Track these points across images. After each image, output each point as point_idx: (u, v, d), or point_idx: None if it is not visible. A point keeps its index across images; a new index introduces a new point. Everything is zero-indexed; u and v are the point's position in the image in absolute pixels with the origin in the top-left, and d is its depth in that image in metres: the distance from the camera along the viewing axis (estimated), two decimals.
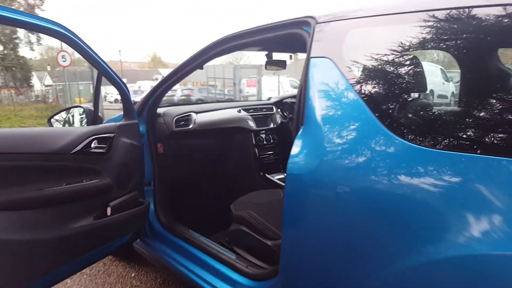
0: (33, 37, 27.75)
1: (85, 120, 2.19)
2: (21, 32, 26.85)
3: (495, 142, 0.98)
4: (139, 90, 34.27)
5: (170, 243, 2.28)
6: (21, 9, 22.68)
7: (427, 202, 0.97)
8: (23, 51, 27.00)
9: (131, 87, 37.76)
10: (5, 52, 24.34)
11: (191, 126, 2.46)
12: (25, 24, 1.62)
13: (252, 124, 2.82)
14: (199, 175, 2.79)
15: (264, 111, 2.97)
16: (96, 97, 2.17)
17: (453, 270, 0.91)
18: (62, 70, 17.95)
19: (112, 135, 2.00)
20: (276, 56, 2.41)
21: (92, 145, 1.90)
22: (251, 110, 2.87)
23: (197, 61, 2.05)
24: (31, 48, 28.41)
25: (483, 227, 0.87)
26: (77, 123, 2.30)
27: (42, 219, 1.63)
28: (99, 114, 2.20)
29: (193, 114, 2.49)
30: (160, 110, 2.47)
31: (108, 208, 1.94)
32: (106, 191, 1.95)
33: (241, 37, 1.81)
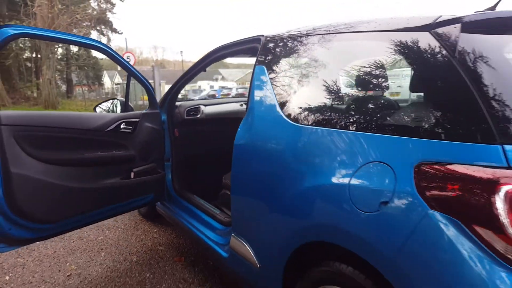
0: (104, 39, 30.24)
1: (119, 108, 2.95)
2: (93, 35, 29.43)
3: (329, 120, 1.53)
4: (199, 89, 35.90)
5: (180, 205, 2.97)
6: (94, 12, 24.86)
7: (299, 153, 1.55)
8: (95, 51, 29.58)
9: (192, 87, 39.76)
10: (79, 52, 26.85)
11: (199, 115, 3.14)
12: (80, 43, 2.39)
13: None
14: (205, 154, 3.44)
15: None
16: (127, 91, 2.91)
17: (315, 194, 1.45)
18: None
19: (137, 120, 2.72)
20: None
21: (122, 126, 2.62)
22: None
23: (199, 66, 2.72)
24: None
25: (325, 169, 1.43)
26: (115, 111, 3.06)
27: (82, 175, 2.37)
28: (130, 104, 2.94)
29: (202, 107, 3.16)
30: (178, 103, 3.17)
31: (131, 173, 2.66)
32: (131, 160, 2.66)
33: (226, 48, 2.45)
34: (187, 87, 39.57)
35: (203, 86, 40.69)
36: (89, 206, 2.45)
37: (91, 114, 2.61)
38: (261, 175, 1.76)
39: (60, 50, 26.63)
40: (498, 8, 1.56)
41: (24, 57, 24.94)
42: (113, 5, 28.44)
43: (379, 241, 1.19)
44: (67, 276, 2.56)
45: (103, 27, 28.56)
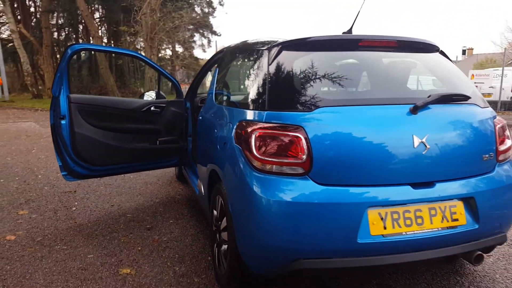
0: (205, 41, 33.04)
1: (154, 97, 4.21)
2: (197, 36, 32.38)
3: (221, 99, 2.53)
4: None
5: (192, 168, 4.13)
6: (197, 17, 27.48)
7: (212, 120, 2.59)
8: (196, 52, 32.56)
9: None
10: (184, 52, 29.84)
11: None
12: (121, 53, 3.68)
13: None
14: None
15: None
16: (158, 86, 4.16)
17: (211, 142, 2.48)
18: None
19: (164, 105, 3.94)
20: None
21: (152, 108, 3.86)
22: None
23: (207, 67, 3.85)
24: (203, 49, 33.83)
25: (215, 128, 2.46)
26: (153, 98, 4.33)
27: (121, 138, 3.65)
28: (161, 93, 4.19)
29: None
30: (198, 94, 4.34)
31: (157, 141, 3.88)
32: (157, 132, 3.89)
33: (218, 54, 3.54)
34: None
35: None
36: (125, 160, 3.72)
37: (132, 99, 3.90)
38: (202, 136, 2.85)
39: (168, 52, 29.89)
40: (354, 31, 2.45)
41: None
42: (214, 9, 30.97)
43: (220, 162, 2.22)
44: (111, 205, 3.90)
45: (204, 30, 31.30)
